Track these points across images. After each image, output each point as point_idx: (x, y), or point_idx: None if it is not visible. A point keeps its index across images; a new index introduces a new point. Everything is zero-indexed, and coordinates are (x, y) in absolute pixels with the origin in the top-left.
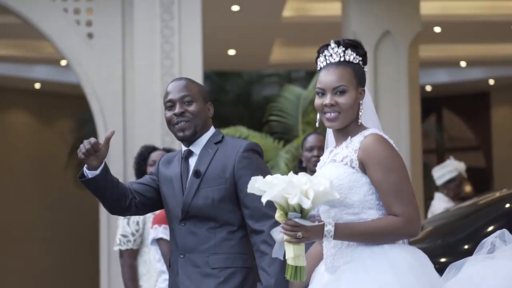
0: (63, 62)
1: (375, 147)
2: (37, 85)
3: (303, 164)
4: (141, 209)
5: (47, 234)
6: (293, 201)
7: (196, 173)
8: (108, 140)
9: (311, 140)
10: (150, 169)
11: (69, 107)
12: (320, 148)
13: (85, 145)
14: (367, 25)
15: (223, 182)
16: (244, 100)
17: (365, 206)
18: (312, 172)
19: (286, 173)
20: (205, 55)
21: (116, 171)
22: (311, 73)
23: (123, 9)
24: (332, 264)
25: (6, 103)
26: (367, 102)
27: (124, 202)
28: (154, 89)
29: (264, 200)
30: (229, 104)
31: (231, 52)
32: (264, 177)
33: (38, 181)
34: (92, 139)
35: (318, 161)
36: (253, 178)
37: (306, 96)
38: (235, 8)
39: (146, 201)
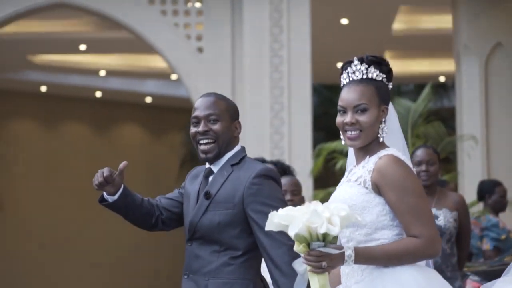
0: (174, 76)
1: (389, 169)
2: (148, 99)
3: None
4: (169, 225)
5: (158, 244)
6: (321, 230)
7: (206, 195)
8: (121, 171)
9: (419, 154)
10: None
11: (179, 120)
12: (429, 162)
13: (98, 177)
14: (478, 37)
15: (231, 207)
16: None
17: (377, 226)
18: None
19: None
20: (314, 68)
21: None
22: (420, 86)
23: (233, 23)
24: (345, 284)
25: (119, 117)
26: (392, 120)
27: (149, 220)
28: (263, 103)
29: (292, 234)
30: None
31: (340, 65)
32: (276, 205)
33: (150, 194)
34: (106, 171)
35: (427, 175)
36: (271, 214)
37: (415, 109)
38: (344, 21)
39: (173, 216)
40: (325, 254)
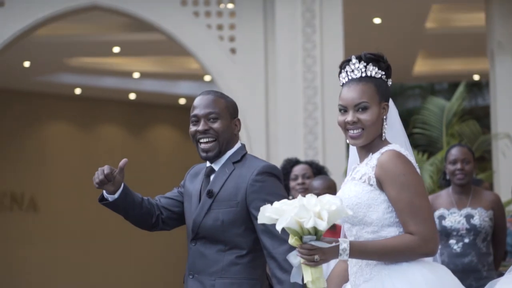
0: (207, 78)
1: (390, 164)
2: (182, 101)
3: (447, 177)
4: (169, 224)
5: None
6: (308, 224)
7: (209, 193)
8: (121, 169)
9: (454, 152)
10: (292, 183)
11: None
12: (464, 161)
13: (99, 175)
14: None
15: (234, 205)
16: None
17: (384, 224)
18: (457, 186)
19: (431, 186)
20: None
21: None
22: (454, 85)
23: (265, 24)
24: (354, 282)
25: (152, 119)
26: (393, 117)
27: (149, 220)
28: (297, 103)
29: (278, 228)
30: None
31: None
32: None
33: None
34: (106, 168)
35: (462, 174)
36: (262, 208)
37: (449, 108)
38: (377, 20)
39: (174, 215)
40: (318, 247)
